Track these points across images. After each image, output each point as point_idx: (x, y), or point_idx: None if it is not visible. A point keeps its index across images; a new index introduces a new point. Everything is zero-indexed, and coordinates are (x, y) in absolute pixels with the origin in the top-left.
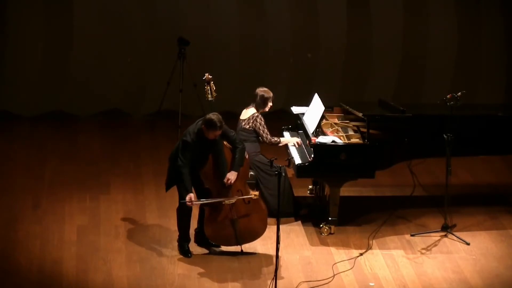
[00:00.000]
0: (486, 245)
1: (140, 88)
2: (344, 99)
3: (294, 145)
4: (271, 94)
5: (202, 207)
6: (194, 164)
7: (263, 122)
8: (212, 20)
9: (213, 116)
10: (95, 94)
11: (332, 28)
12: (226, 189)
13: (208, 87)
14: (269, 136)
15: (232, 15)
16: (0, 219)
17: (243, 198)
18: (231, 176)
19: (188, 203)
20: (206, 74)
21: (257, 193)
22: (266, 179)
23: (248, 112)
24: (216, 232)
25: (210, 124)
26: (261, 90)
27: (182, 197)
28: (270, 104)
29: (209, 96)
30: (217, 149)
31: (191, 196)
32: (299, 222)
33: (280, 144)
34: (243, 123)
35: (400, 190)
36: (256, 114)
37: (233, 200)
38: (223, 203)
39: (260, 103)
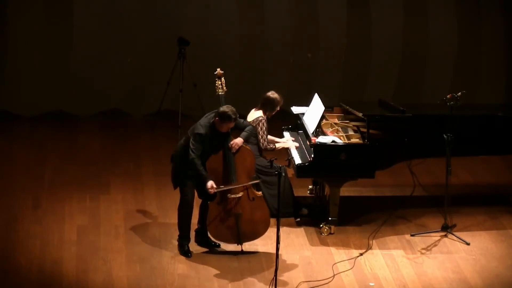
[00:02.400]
0: (486, 245)
1: (140, 88)
2: (344, 99)
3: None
4: (280, 98)
5: (203, 206)
6: (204, 158)
7: (264, 128)
8: (212, 20)
9: (227, 108)
10: (95, 94)
11: (332, 28)
12: (233, 183)
13: (220, 82)
14: (265, 142)
15: (232, 15)
16: (0, 219)
17: (248, 194)
18: (238, 141)
19: (210, 190)
20: (218, 69)
21: (259, 192)
22: (266, 181)
23: (254, 115)
24: (219, 228)
25: (224, 116)
26: (272, 94)
27: (186, 193)
28: (278, 108)
29: (220, 90)
30: (227, 144)
31: (212, 183)
32: (299, 222)
33: (276, 149)
34: None
35: (400, 190)
36: (261, 118)
37: (238, 195)
38: (229, 196)
39: (269, 107)
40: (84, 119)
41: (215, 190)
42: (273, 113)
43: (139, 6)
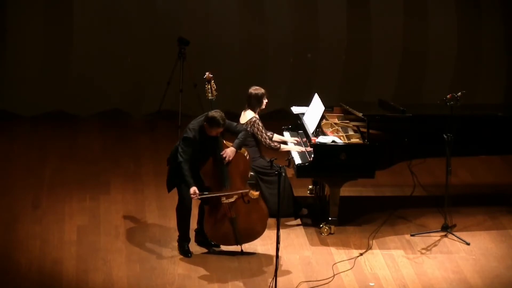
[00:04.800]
0: (486, 245)
1: (140, 88)
2: (344, 99)
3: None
4: (263, 91)
5: (202, 206)
6: (195, 162)
7: (260, 127)
8: (212, 20)
9: (216, 113)
10: (95, 94)
11: (332, 28)
12: (226, 189)
13: (209, 86)
14: (267, 140)
15: (232, 15)
16: (0, 219)
17: (243, 197)
18: (229, 151)
19: (192, 195)
20: (207, 73)
21: (257, 193)
22: (267, 180)
23: (246, 116)
24: (216, 231)
25: (213, 121)
26: (254, 89)
27: (182, 194)
28: (265, 101)
29: (209, 95)
30: (217, 147)
31: (195, 189)
32: (299, 222)
33: (280, 150)
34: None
35: (400, 190)
36: (254, 119)
37: (232, 199)
38: (222, 201)
39: (255, 103)
40: (84, 119)
41: (198, 197)
42: (263, 107)
43: (139, 6)
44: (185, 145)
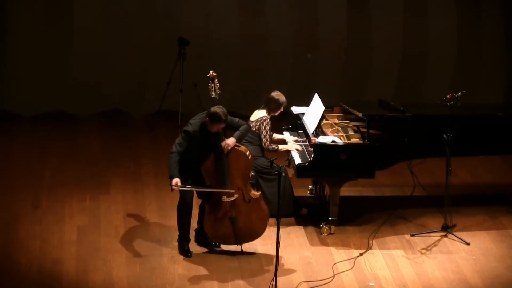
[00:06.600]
0: (486, 245)
1: (140, 88)
2: (344, 99)
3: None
4: (285, 100)
5: (202, 206)
6: (196, 158)
7: (268, 128)
8: (212, 20)
9: (218, 109)
10: (95, 94)
11: (332, 28)
12: (226, 187)
13: (212, 84)
14: (268, 142)
15: (232, 15)
16: (0, 219)
17: (243, 196)
18: (229, 141)
19: (174, 186)
20: (211, 71)
21: (258, 193)
22: (267, 180)
23: (258, 114)
24: (216, 230)
25: (214, 117)
26: (276, 94)
27: (184, 194)
28: (281, 110)
29: (213, 93)
30: (219, 144)
31: (177, 180)
32: (299, 222)
33: (279, 151)
34: (251, 125)
35: (400, 190)
36: (265, 118)
37: (232, 198)
38: (223, 200)
39: (273, 107)
40: (84, 119)
41: (179, 188)
42: (276, 114)
43: (139, 6)
44: (183, 139)
